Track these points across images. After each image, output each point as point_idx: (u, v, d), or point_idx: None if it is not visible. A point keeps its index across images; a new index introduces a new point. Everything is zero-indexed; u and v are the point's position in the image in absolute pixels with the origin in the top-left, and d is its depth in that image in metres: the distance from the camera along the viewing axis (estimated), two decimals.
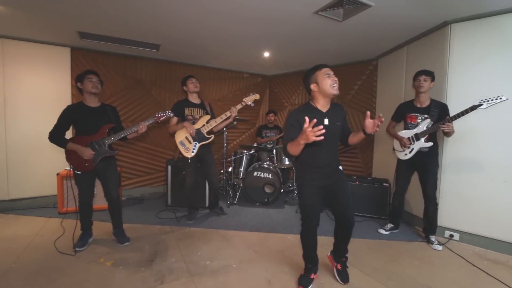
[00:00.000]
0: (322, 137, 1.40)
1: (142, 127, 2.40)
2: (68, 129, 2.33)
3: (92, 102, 2.37)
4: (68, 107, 2.34)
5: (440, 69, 2.70)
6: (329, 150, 1.79)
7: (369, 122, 1.65)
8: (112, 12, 2.63)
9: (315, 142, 1.44)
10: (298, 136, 1.49)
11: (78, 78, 2.33)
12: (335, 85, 1.65)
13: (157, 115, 2.50)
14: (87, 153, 2.25)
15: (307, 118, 1.40)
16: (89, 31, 3.13)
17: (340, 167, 1.88)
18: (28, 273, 2.00)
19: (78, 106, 2.35)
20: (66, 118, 2.29)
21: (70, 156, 2.28)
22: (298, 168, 1.87)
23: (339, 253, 2.02)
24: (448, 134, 2.47)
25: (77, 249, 2.33)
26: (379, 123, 1.59)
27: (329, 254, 2.14)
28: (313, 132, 1.39)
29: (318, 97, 1.74)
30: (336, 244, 2.03)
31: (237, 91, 5.08)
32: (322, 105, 1.74)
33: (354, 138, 1.81)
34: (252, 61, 4.38)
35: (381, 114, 1.60)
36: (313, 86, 1.71)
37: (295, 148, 1.56)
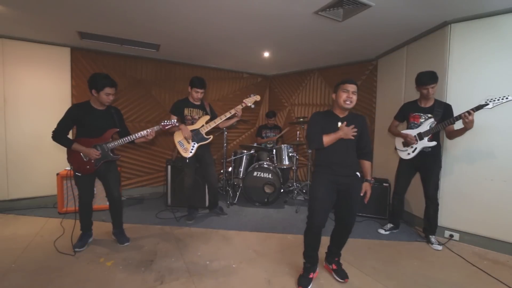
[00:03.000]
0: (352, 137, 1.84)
1: (151, 133, 2.39)
2: (72, 127, 2.29)
3: (100, 105, 2.33)
4: (74, 105, 2.32)
5: (440, 69, 2.70)
6: (345, 152, 1.89)
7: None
8: (112, 12, 2.63)
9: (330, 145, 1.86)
10: (336, 133, 1.86)
11: (94, 85, 2.21)
12: (348, 101, 1.83)
13: (162, 124, 2.47)
14: (93, 153, 2.24)
15: (345, 123, 1.87)
16: (89, 31, 3.13)
17: (358, 174, 1.94)
18: (28, 273, 2.00)
19: (84, 105, 2.30)
20: (72, 116, 2.24)
21: (72, 158, 2.27)
22: (316, 166, 2.00)
23: (332, 255, 2.09)
24: (453, 135, 2.45)
25: (76, 249, 2.32)
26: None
27: (324, 263, 2.18)
28: (351, 131, 1.82)
29: (335, 106, 1.94)
30: (330, 247, 2.11)
31: (237, 91, 5.08)
32: (339, 112, 1.94)
33: (362, 166, 1.98)
34: (252, 61, 4.38)
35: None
36: (333, 96, 1.94)
37: (331, 139, 1.86)
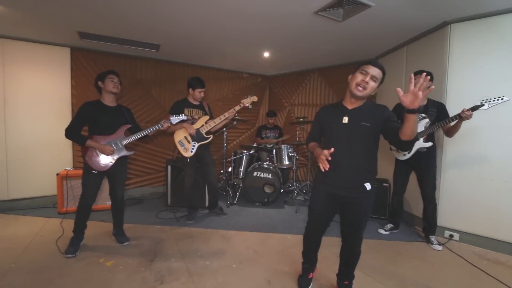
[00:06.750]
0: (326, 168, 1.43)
1: (166, 126, 2.46)
2: (84, 124, 2.29)
3: (110, 101, 2.37)
4: (86, 102, 2.32)
5: (440, 69, 2.70)
6: (347, 153, 1.51)
7: (404, 96, 1.25)
8: (112, 12, 2.62)
9: (330, 141, 1.54)
10: (318, 148, 1.57)
11: (99, 77, 2.34)
12: (360, 86, 1.44)
13: (171, 121, 2.52)
14: (108, 149, 2.26)
15: (332, 149, 1.42)
16: (89, 31, 3.13)
17: (367, 185, 1.52)
18: (28, 273, 2.00)
19: (96, 103, 2.34)
20: (84, 112, 2.25)
21: (88, 155, 2.26)
22: (318, 167, 1.78)
23: (341, 276, 1.81)
24: (451, 132, 2.40)
25: (69, 255, 2.23)
26: (425, 86, 1.18)
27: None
28: (322, 160, 1.42)
29: (347, 93, 1.57)
30: (339, 264, 1.83)
31: (237, 91, 5.08)
32: (349, 102, 1.56)
33: (405, 128, 1.30)
34: (252, 61, 4.38)
35: (415, 77, 1.25)
36: (349, 77, 1.54)
37: (314, 152, 1.60)
